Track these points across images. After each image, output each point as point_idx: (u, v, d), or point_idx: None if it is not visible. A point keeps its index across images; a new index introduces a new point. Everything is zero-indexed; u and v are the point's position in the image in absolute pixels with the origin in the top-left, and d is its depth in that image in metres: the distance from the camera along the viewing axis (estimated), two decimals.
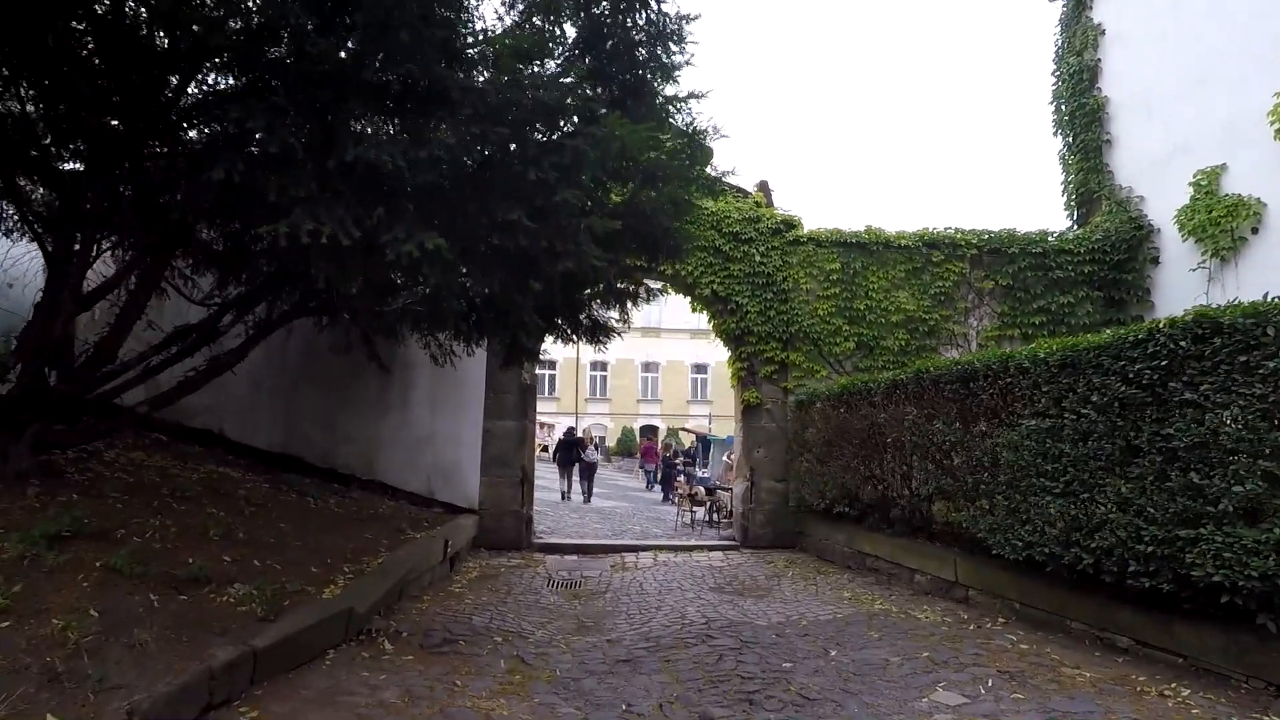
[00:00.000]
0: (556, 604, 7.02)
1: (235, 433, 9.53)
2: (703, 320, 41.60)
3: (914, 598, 7.06)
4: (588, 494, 18.26)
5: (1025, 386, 5.47)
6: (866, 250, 10.63)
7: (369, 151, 3.20)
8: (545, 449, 33.74)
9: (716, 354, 43.73)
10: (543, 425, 36.58)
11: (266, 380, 9.70)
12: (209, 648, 3.59)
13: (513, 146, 3.77)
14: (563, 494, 18.24)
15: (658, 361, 42.61)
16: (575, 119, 4.00)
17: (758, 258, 10.45)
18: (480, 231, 3.87)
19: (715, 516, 14.34)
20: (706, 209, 10.47)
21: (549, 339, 8.68)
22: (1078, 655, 4.95)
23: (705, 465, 26.38)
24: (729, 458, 25.48)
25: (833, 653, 5.18)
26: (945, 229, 10.77)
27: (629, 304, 7.56)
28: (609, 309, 7.50)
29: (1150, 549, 4.36)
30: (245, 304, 6.37)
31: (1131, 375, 4.53)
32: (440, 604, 6.54)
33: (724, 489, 15.93)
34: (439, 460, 9.84)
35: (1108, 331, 5.04)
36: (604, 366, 41.99)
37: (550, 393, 41.30)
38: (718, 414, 40.99)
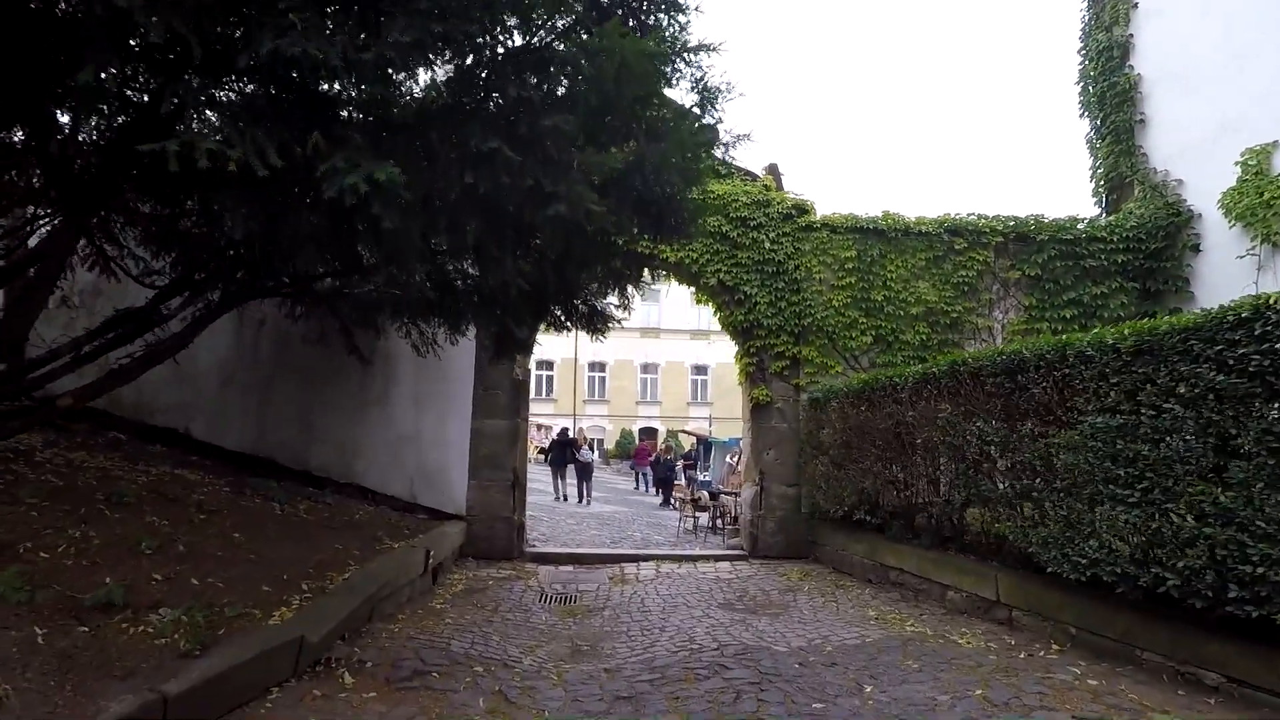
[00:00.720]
0: (548, 623, 6.27)
1: (203, 432, 8.78)
2: (703, 321, 40.76)
3: (948, 618, 6.31)
4: (585, 496, 17.75)
5: (1089, 378, 4.73)
6: (884, 237, 9.89)
7: (295, 45, 2.42)
8: (543, 451, 32.99)
9: (717, 355, 43.08)
10: (539, 427, 35.84)
11: (238, 376, 8.95)
12: (102, 697, 2.84)
13: (486, 54, 3.02)
14: (556, 496, 17.74)
15: (657, 362, 41.86)
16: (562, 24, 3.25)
17: (767, 244, 9.71)
18: (448, 168, 3.13)
19: (719, 522, 13.61)
20: (713, 192, 9.74)
21: (542, 329, 7.95)
22: (1158, 694, 4.20)
23: (706, 468, 25.68)
24: (732, 459, 24.78)
25: (868, 689, 4.43)
26: (968, 215, 10.05)
27: (629, 289, 6.81)
28: (608, 293, 6.76)
29: (1259, 570, 3.62)
30: (194, 284, 5.62)
31: (1232, 361, 3.80)
32: (417, 624, 5.79)
33: (728, 493, 15.22)
34: (423, 462, 9.09)
35: (1193, 312, 4.30)
36: (602, 367, 41.25)
37: (548, 394, 40.57)
38: (719, 416, 40.28)
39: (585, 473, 17.92)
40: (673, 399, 41.58)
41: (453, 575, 7.98)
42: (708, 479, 23.62)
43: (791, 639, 5.74)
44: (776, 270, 9.70)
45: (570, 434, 19.77)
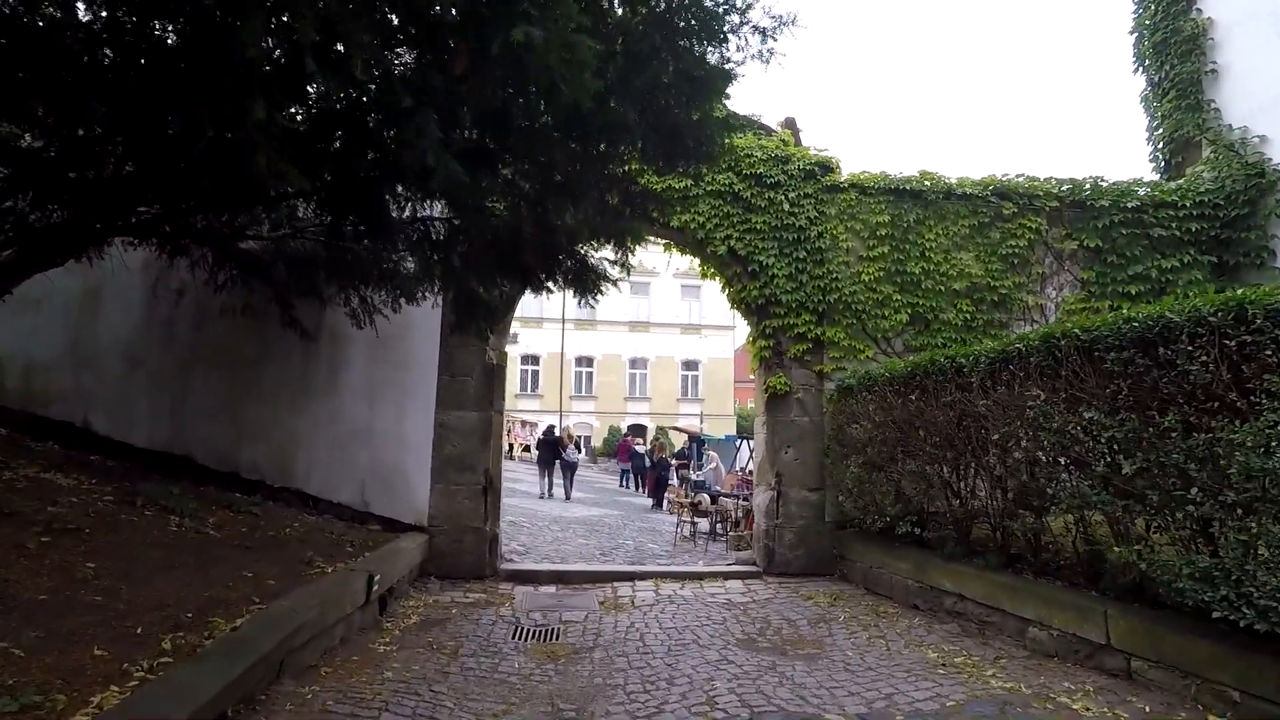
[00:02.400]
0: (523, 673, 4.81)
1: (106, 425, 7.24)
2: (694, 315, 39.49)
3: (1036, 664, 4.91)
4: (567, 491, 17.70)
5: None
6: (921, 200, 8.50)
7: None
8: (528, 449, 31.50)
9: (709, 350, 41.73)
10: (525, 424, 34.30)
11: (148, 358, 7.40)
12: None
13: None
14: (541, 493, 17.56)
15: (646, 357, 40.42)
16: None
17: (786, 207, 8.28)
18: None
19: (721, 528, 12.21)
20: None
21: (520, 297, 6.48)
22: None
23: (699, 467, 24.30)
24: (747, 455, 23.36)
25: None
26: (1017, 177, 8.66)
27: (628, 243, 5.35)
28: (600, 244, 5.30)
29: None
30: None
31: None
32: (345, 681, 4.30)
33: (728, 496, 13.79)
34: (378, 462, 7.58)
35: None
36: (590, 362, 39.78)
37: (533, 389, 39.03)
38: (710, 413, 39.00)
39: (569, 470, 17.80)
40: (662, 395, 40.16)
41: (408, 602, 6.49)
42: (701, 478, 22.34)
43: (844, 699, 4.32)
44: (797, 238, 8.27)
45: (555, 432, 19.18)
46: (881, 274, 8.31)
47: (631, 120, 3.32)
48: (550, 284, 5.69)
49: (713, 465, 20.98)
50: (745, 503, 13.29)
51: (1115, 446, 4.24)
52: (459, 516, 7.60)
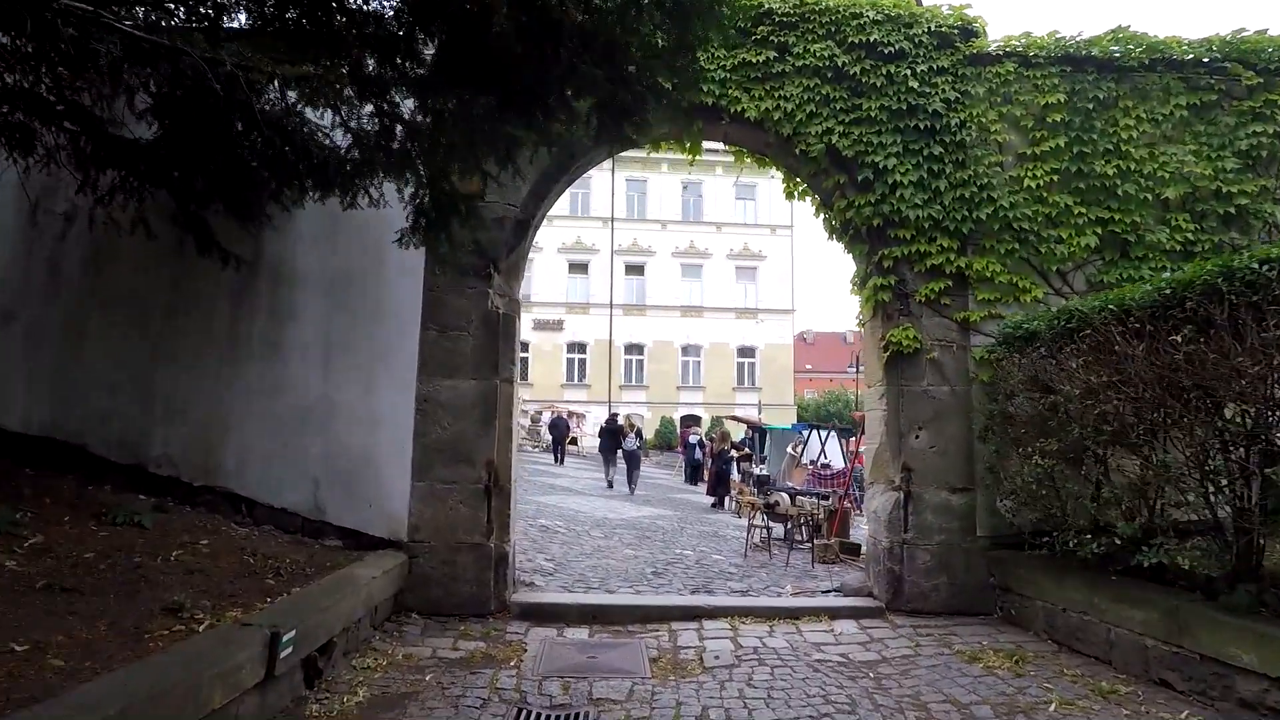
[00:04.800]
0: None
1: None
2: (749, 298, 37.45)
3: None
4: (631, 483, 16.73)
5: None
6: (1114, 71, 5.86)
7: None
8: (574, 441, 29.45)
9: (765, 336, 38.85)
10: (571, 414, 32.28)
11: (23, 308, 5.40)
12: None
13: None
14: (609, 482, 17.21)
15: (699, 344, 37.96)
16: None
17: (914, 85, 5.77)
18: None
19: (801, 534, 9.78)
20: (816, 2, 5.86)
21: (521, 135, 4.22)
22: None
23: (763, 460, 21.80)
24: (794, 449, 20.82)
25: None
26: (1259, 33, 5.93)
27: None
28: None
29: None
30: None
31: None
32: None
33: (804, 494, 11.30)
34: (337, 452, 5.41)
35: None
36: (640, 349, 37.56)
37: (580, 379, 37.05)
38: (767, 402, 36.35)
39: (632, 462, 16.86)
40: (717, 384, 37.66)
41: (363, 660, 4.27)
42: (765, 472, 19.95)
43: None
44: (929, 129, 5.75)
45: (618, 420, 18.44)
46: (1055, 178, 5.72)
47: None
48: (563, 118, 3.38)
49: (800, 459, 18.59)
50: (826, 502, 10.83)
51: None
52: (450, 528, 5.38)
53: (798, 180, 6.42)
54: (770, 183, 39.16)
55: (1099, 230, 5.65)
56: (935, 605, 5.54)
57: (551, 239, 36.95)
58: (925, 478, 5.65)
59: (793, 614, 5.55)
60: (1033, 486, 4.62)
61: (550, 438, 28.66)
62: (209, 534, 4.68)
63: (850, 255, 6.28)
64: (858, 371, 39.88)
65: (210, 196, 4.51)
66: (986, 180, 5.70)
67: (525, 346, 36.64)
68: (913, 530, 5.62)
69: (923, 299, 5.73)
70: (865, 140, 5.74)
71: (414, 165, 3.93)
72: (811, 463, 19.12)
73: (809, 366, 55.01)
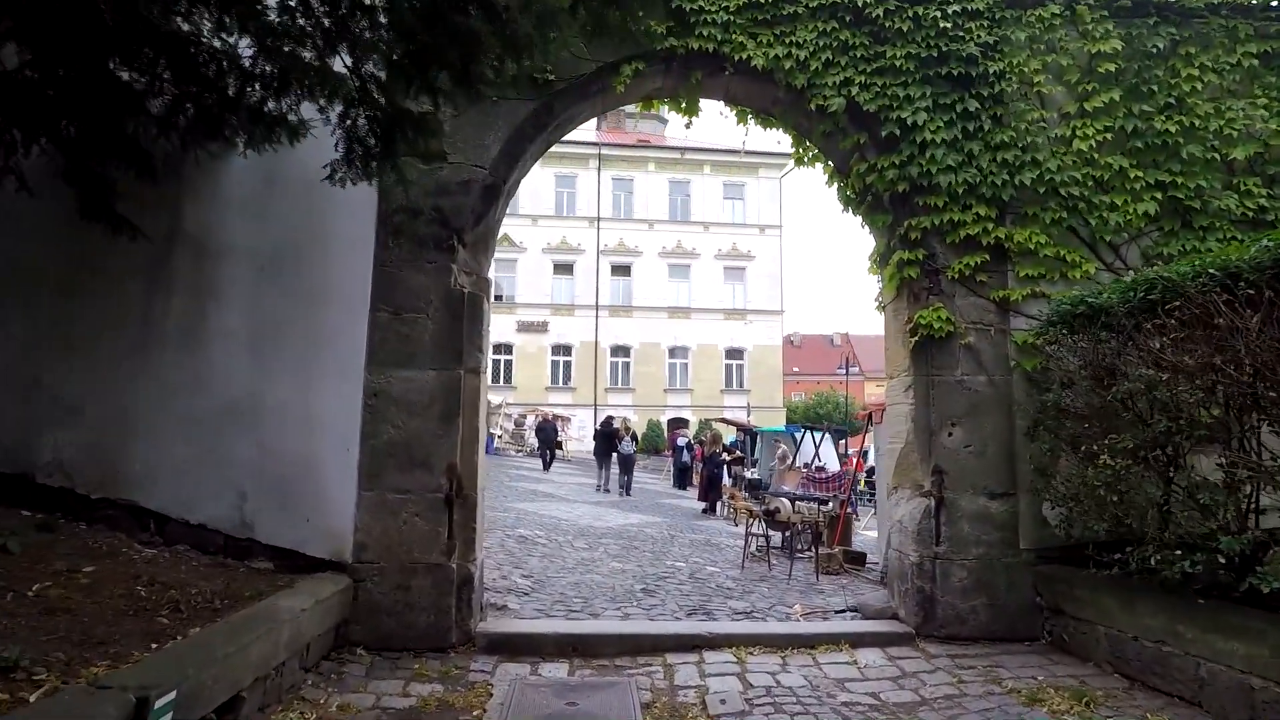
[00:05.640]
0: None
1: None
2: (738, 299, 36.94)
3: None
4: (626, 488, 16.47)
5: None
6: (1173, 16, 5.12)
7: None
8: (559, 446, 28.50)
9: (754, 337, 38.07)
10: (557, 417, 31.34)
11: None
12: None
13: None
14: (599, 486, 16.83)
15: (688, 346, 37.16)
16: None
17: (946, 27, 4.99)
18: None
19: (802, 543, 9.03)
20: None
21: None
22: None
23: (754, 463, 21.03)
24: (779, 453, 19.89)
25: None
26: None
27: None
28: None
29: None
30: None
31: None
32: None
33: (801, 499, 10.53)
34: (269, 458, 4.53)
35: None
36: (627, 351, 36.69)
37: (565, 382, 36.12)
38: (756, 405, 35.63)
39: (626, 465, 16.63)
40: (705, 386, 36.86)
41: (284, 715, 3.40)
42: (757, 475, 19.20)
43: None
44: (962, 77, 4.98)
45: (613, 424, 18.08)
46: (1107, 137, 4.97)
47: None
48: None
49: (789, 462, 17.77)
50: (826, 507, 10.06)
51: None
52: (404, 545, 4.52)
53: (808, 144, 5.64)
54: (759, 182, 38.62)
55: (1158, 196, 4.90)
56: (973, 630, 4.75)
57: (536, 239, 36.11)
58: (960, 481, 4.87)
59: (807, 642, 4.74)
60: (1099, 492, 3.83)
61: (535, 442, 27.79)
62: (98, 558, 3.79)
63: (869, 229, 5.51)
64: (847, 374, 39.32)
65: (95, 144, 3.64)
66: (1029, 140, 4.94)
67: (509, 349, 35.69)
68: (946, 542, 4.83)
69: (955, 275, 4.95)
70: (890, 93, 4.96)
71: (343, 81, 3.09)
72: (805, 466, 18.38)
73: (796, 369, 54.47)
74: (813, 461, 18.45)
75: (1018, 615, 4.76)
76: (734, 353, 37.57)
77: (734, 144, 40.03)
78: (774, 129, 5.64)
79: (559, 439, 27.12)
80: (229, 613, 3.51)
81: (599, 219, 36.68)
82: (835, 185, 5.63)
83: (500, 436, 28.79)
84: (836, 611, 5.86)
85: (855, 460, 27.33)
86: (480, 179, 4.86)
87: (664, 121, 43.00)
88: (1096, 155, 4.94)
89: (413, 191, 4.73)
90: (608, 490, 16.64)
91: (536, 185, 36.32)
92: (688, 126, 5.67)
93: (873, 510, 15.47)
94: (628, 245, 36.98)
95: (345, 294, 4.68)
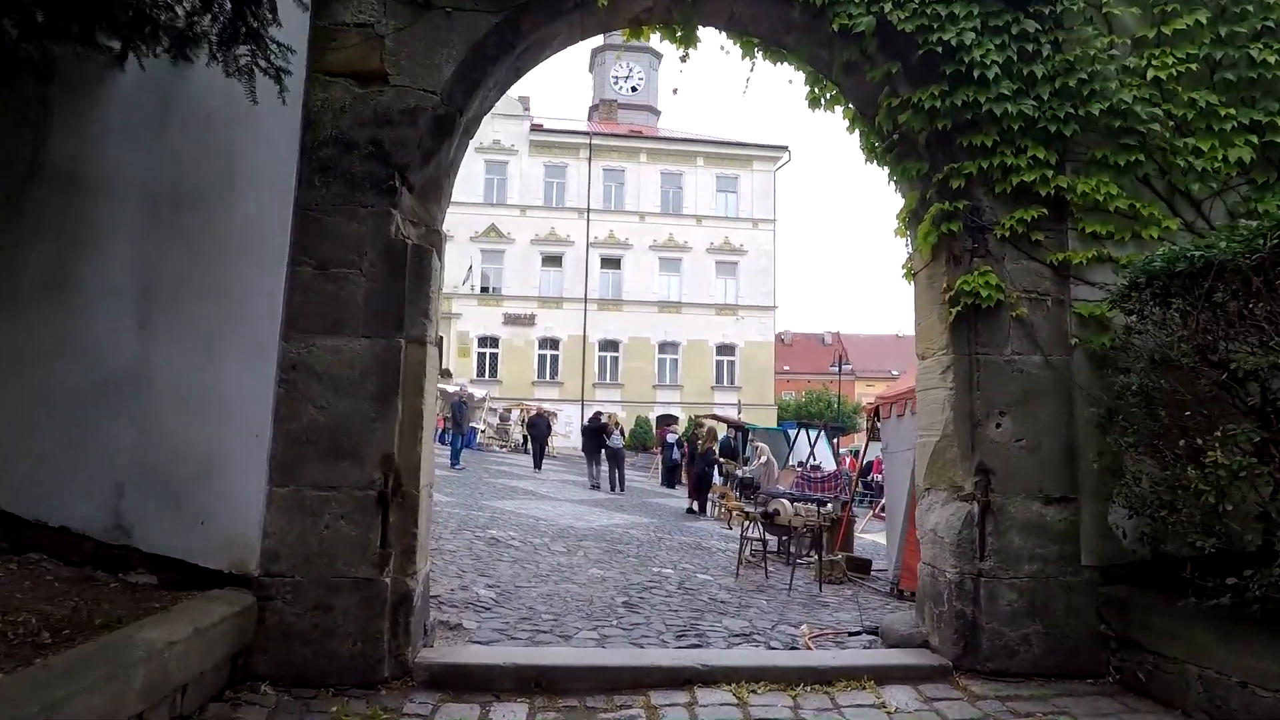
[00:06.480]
0: None
1: None
2: (729, 293, 36.48)
3: None
4: (619, 484, 16.25)
5: None
6: None
7: None
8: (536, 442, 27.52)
9: (745, 333, 37.20)
10: (544, 412, 30.36)
11: None
12: None
13: None
14: (591, 483, 16.45)
15: (677, 341, 36.33)
16: None
17: None
18: None
19: (803, 548, 8.24)
20: None
21: None
22: None
23: (746, 461, 20.22)
24: (759, 454, 18.75)
25: None
26: None
27: None
28: None
29: None
30: None
31: None
32: None
33: (798, 499, 9.70)
34: (154, 444, 3.60)
35: None
36: (615, 346, 35.82)
37: (552, 376, 35.19)
38: (748, 402, 34.84)
39: (616, 459, 16.42)
40: (695, 383, 36.06)
41: None
42: (750, 475, 18.41)
43: None
44: None
45: (602, 418, 17.40)
46: (1191, 68, 4.12)
47: None
48: None
49: (763, 460, 16.90)
50: (826, 509, 9.23)
51: None
52: (326, 555, 3.61)
53: (826, 84, 4.76)
54: (752, 175, 37.75)
55: (1252, 140, 4.05)
56: (1024, 664, 3.90)
57: (524, 230, 35.22)
58: (1010, 483, 4.01)
59: (823, 677, 3.87)
60: (1211, 499, 2.97)
61: (521, 438, 26.67)
62: None
63: (897, 183, 4.65)
64: (839, 373, 38.47)
65: None
66: (1094, 68, 4.07)
67: (495, 342, 34.73)
68: (992, 557, 3.97)
69: (1005, 234, 4.09)
70: (929, 10, 4.09)
71: None
72: (800, 464, 17.55)
73: (787, 368, 53.75)
74: (808, 460, 17.65)
75: (1078, 646, 3.92)
76: (725, 348, 36.81)
77: (727, 136, 39.38)
78: (785, 64, 4.76)
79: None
80: (61, 649, 2.60)
81: (589, 210, 35.80)
82: (857, 132, 4.77)
83: (484, 431, 27.80)
84: (851, 634, 5.01)
85: (848, 459, 26.59)
86: (430, 107, 3.95)
87: (657, 113, 42.31)
88: (1177, 89, 4.09)
89: (345, 119, 3.87)
90: (597, 486, 16.24)
91: (525, 175, 35.42)
92: (683, 60, 4.79)
93: (870, 512, 14.67)
94: (618, 237, 36.11)
95: (258, 244, 3.76)
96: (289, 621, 3.55)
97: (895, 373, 54.96)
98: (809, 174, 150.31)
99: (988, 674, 3.90)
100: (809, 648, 4.63)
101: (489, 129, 34.66)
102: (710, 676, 3.79)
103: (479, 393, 28.17)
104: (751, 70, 4.83)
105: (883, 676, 3.90)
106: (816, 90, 4.83)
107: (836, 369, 41.01)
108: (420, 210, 4.12)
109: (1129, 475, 3.58)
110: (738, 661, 3.97)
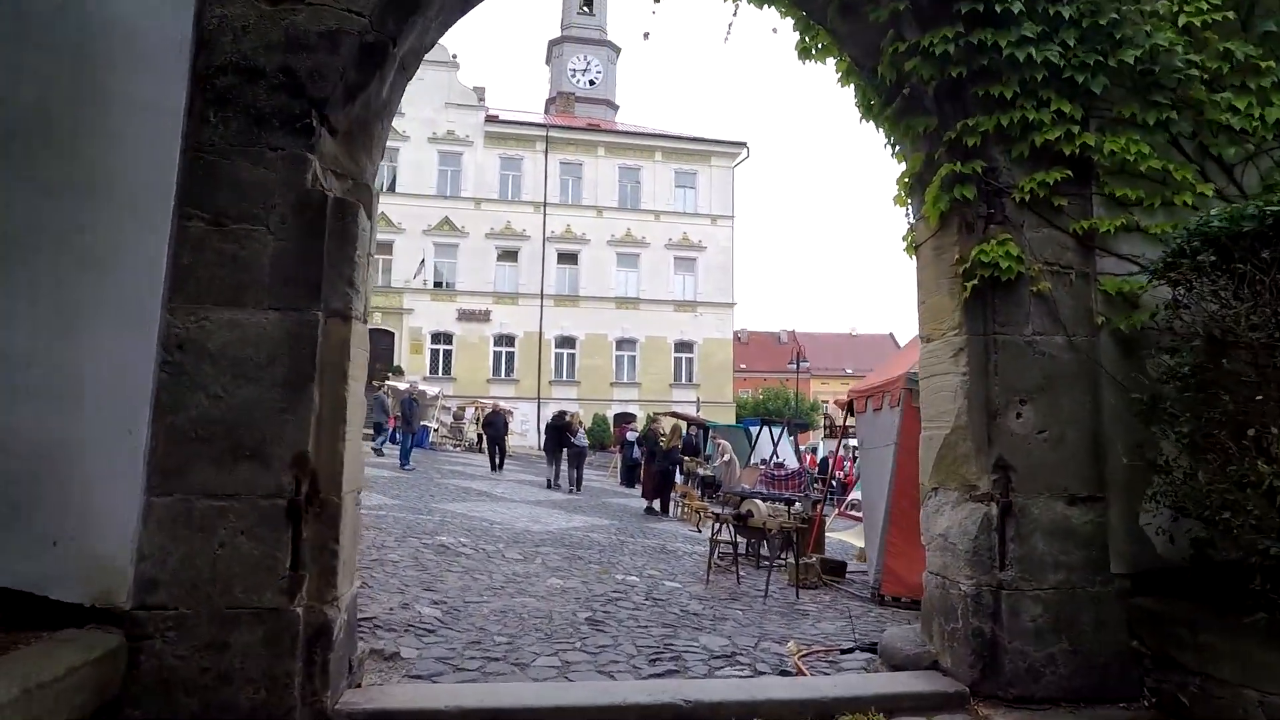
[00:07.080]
0: None
1: None
2: (688, 289, 36.02)
3: None
4: (577, 483, 15.75)
5: None
6: None
7: None
8: (494, 442, 26.64)
9: (704, 330, 36.82)
10: (498, 409, 29.43)
11: None
12: None
13: None
14: (548, 482, 16.14)
15: (635, 338, 35.75)
16: None
17: None
18: None
19: (764, 552, 7.77)
20: None
21: None
22: None
23: (708, 459, 19.76)
24: (722, 452, 18.09)
25: None
26: None
27: None
28: None
29: None
30: None
31: None
32: None
33: (771, 499, 9.21)
34: None
35: None
36: (572, 343, 35.05)
37: (508, 374, 34.23)
38: (706, 399, 34.54)
39: (577, 459, 16.04)
40: (653, 380, 35.54)
41: None
42: (711, 473, 17.99)
43: None
44: None
45: (565, 417, 16.88)
46: (1228, 16, 3.69)
47: None
48: None
49: (725, 458, 16.43)
50: (796, 508, 8.76)
51: None
52: (220, 581, 2.89)
53: (819, 30, 4.21)
54: (711, 171, 37.40)
55: None
56: (1050, 688, 3.41)
57: (479, 223, 34.19)
58: (1032, 481, 3.52)
59: (825, 711, 3.30)
60: (1216, 492, 2.50)
61: (476, 436, 25.62)
62: None
63: (899, 143, 4.13)
64: (797, 370, 38.48)
65: None
66: (1124, 14, 3.61)
67: (449, 338, 33.60)
68: (1014, 566, 3.47)
69: (1024, 198, 3.60)
70: None
71: None
72: (763, 462, 17.14)
73: (743, 366, 53.68)
74: (771, 458, 17.26)
75: (1107, 665, 3.44)
76: (683, 345, 36.39)
77: (686, 131, 38.97)
78: (771, 7, 4.19)
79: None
80: None
81: (545, 204, 34.98)
82: (852, 85, 4.23)
83: (437, 430, 26.73)
84: (844, 650, 4.48)
85: (807, 457, 26.32)
86: (356, 30, 3.24)
87: (615, 107, 41.69)
88: (1210, 38, 3.65)
89: (248, 41, 3.14)
90: (558, 486, 15.81)
91: (481, 166, 34.38)
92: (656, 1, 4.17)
93: (835, 511, 14.32)
94: (575, 232, 35.37)
95: (135, 190, 3.01)
96: (171, 666, 2.82)
97: (849, 370, 55.53)
98: (765, 173, 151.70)
99: (1010, 700, 3.39)
100: (800, 669, 4.08)
101: (443, 119, 33.60)
102: (694, 715, 3.19)
103: (432, 390, 27.13)
104: (734, 15, 4.25)
105: (892, 708, 3.36)
106: (807, 39, 4.28)
107: (794, 366, 41.06)
108: (346, 159, 3.42)
109: (1177, 471, 3.11)
110: (725, 695, 3.37)
